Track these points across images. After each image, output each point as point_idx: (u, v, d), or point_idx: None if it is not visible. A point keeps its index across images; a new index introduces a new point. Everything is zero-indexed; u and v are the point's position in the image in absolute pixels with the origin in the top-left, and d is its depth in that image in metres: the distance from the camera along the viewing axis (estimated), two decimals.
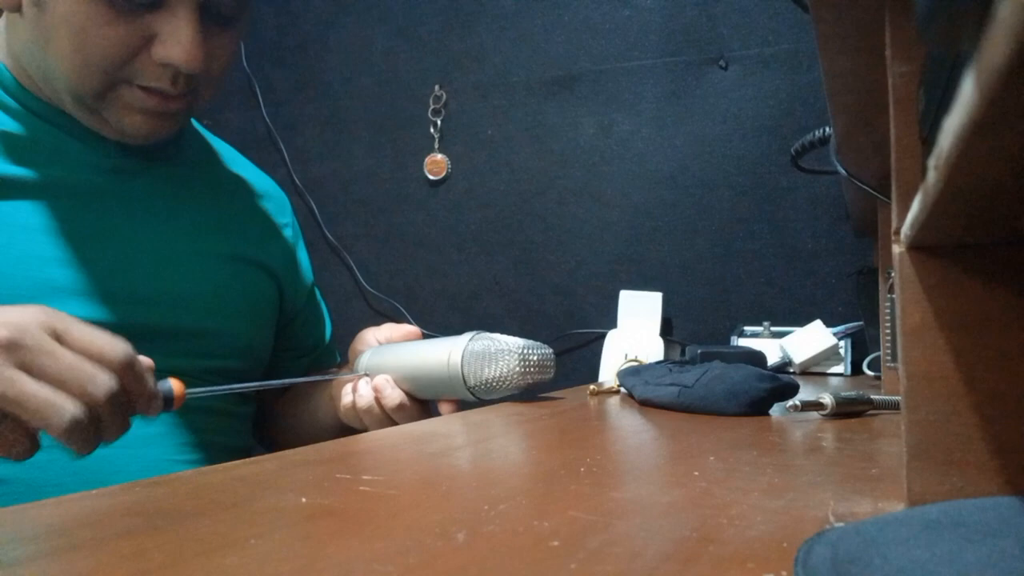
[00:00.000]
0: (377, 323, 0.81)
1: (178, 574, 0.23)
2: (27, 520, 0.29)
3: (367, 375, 0.72)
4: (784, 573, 0.23)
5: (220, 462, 0.73)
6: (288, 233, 0.89)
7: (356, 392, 0.71)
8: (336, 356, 0.96)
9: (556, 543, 0.26)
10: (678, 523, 0.28)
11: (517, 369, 0.65)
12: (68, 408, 0.46)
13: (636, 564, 0.24)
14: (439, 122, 1.57)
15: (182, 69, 0.65)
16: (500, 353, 0.66)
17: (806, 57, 1.31)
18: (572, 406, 0.69)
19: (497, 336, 0.68)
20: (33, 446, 0.48)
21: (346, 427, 0.76)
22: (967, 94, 0.15)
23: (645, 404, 0.69)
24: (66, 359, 0.47)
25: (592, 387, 0.81)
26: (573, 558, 0.24)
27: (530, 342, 0.67)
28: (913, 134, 0.28)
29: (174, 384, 0.55)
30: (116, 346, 0.49)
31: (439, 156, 1.57)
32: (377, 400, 0.69)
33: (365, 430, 0.73)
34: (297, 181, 1.68)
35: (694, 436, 0.51)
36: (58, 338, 0.48)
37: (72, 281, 0.66)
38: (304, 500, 0.32)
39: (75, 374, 0.47)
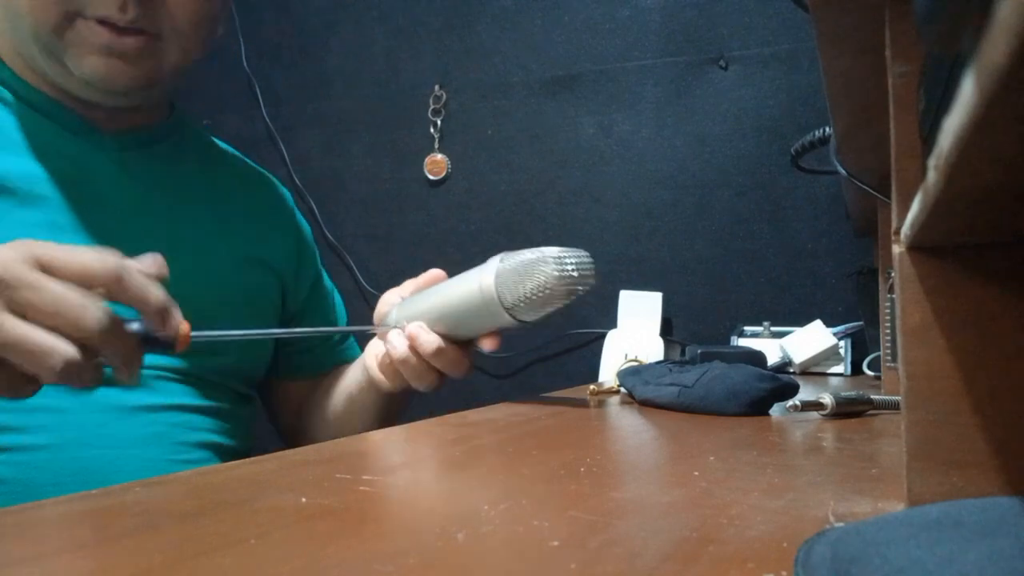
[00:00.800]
0: None
1: (178, 574, 0.23)
2: (27, 520, 0.29)
3: (398, 327, 0.68)
4: (784, 573, 0.23)
5: (220, 463, 0.72)
6: (290, 229, 0.88)
7: (389, 344, 0.68)
8: (356, 350, 0.94)
9: (556, 543, 0.26)
10: (678, 523, 0.28)
11: (555, 274, 0.59)
12: (59, 351, 0.44)
13: (636, 564, 0.24)
14: (439, 122, 1.57)
15: None
16: (534, 263, 0.60)
17: (806, 57, 1.31)
18: (572, 406, 0.69)
19: (526, 249, 0.62)
20: (34, 385, 0.47)
21: (388, 404, 0.75)
22: (967, 94, 0.15)
23: (645, 404, 0.69)
24: (53, 291, 0.44)
25: (592, 387, 0.81)
26: (573, 558, 0.24)
27: (565, 248, 0.61)
28: (913, 134, 0.28)
29: (181, 325, 0.52)
30: (105, 261, 0.46)
31: (439, 156, 1.57)
32: (414, 351, 0.66)
33: (404, 395, 0.72)
34: (297, 181, 1.68)
35: (694, 436, 0.51)
36: (43, 268, 0.45)
37: None
38: (304, 500, 0.32)
39: (64, 306, 0.44)
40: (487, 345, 0.66)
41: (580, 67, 1.47)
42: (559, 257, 0.60)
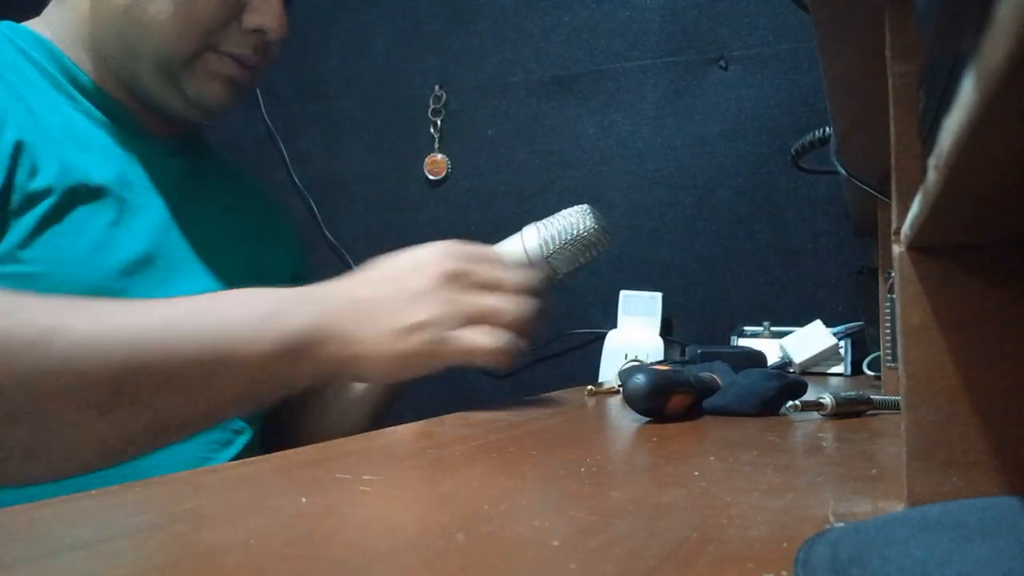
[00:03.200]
0: None
1: (178, 574, 0.23)
2: (27, 520, 0.29)
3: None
4: (784, 573, 0.23)
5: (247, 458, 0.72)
6: (292, 240, 0.91)
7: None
8: None
9: (556, 543, 0.26)
10: (678, 523, 0.28)
11: (590, 223, 0.68)
12: (521, 314, 0.58)
13: (636, 564, 0.24)
14: (439, 122, 1.57)
15: (271, 36, 0.70)
16: (570, 214, 0.69)
17: (806, 57, 1.31)
18: (572, 406, 0.69)
19: (553, 216, 0.70)
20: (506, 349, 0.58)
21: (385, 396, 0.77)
22: (967, 94, 0.15)
23: None
24: (497, 276, 0.59)
25: (590, 387, 0.80)
26: (573, 558, 0.24)
27: (587, 205, 0.70)
28: (913, 134, 0.28)
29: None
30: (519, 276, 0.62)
31: (439, 156, 1.57)
32: None
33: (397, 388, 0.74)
34: (297, 181, 1.68)
35: (694, 436, 0.51)
36: (471, 259, 0.59)
37: (146, 286, 0.67)
38: (304, 500, 0.32)
39: (501, 285, 0.58)
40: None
41: (580, 67, 1.47)
42: (586, 209, 0.70)
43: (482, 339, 0.56)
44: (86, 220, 0.64)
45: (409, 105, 1.60)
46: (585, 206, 0.70)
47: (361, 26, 1.66)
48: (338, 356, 0.53)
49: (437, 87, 1.58)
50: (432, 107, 1.58)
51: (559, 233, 0.69)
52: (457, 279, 0.57)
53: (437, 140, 1.57)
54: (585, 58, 1.47)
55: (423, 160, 1.58)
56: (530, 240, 0.69)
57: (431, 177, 1.57)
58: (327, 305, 0.54)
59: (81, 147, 0.66)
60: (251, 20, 0.68)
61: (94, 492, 0.33)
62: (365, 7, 1.65)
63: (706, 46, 1.38)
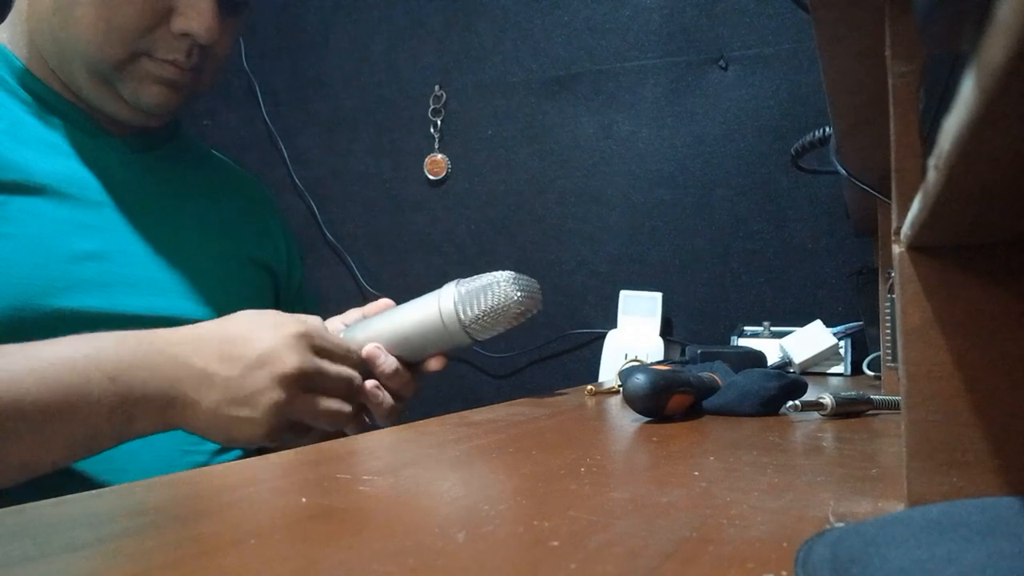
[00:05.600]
0: None
1: (178, 574, 0.23)
2: (27, 520, 0.29)
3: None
4: (784, 573, 0.23)
5: (228, 455, 0.73)
6: (279, 230, 0.90)
7: None
8: None
9: (556, 543, 0.26)
10: (678, 523, 0.28)
11: (515, 296, 0.65)
12: (345, 412, 0.62)
13: (636, 564, 0.24)
14: (439, 122, 1.57)
15: (199, 40, 0.68)
16: (492, 285, 0.66)
17: (806, 57, 1.31)
18: (572, 406, 0.69)
19: (476, 276, 0.67)
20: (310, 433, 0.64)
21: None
22: (967, 94, 0.15)
23: None
24: (337, 374, 0.62)
25: (590, 387, 0.80)
26: (573, 558, 0.24)
27: (513, 272, 0.67)
28: (913, 134, 0.28)
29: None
30: (349, 346, 0.65)
31: (439, 156, 1.57)
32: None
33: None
34: (297, 181, 1.68)
35: (694, 436, 0.51)
36: (317, 352, 0.60)
37: (98, 275, 0.67)
38: (304, 500, 0.32)
39: (342, 384, 0.62)
40: (434, 365, 0.70)
41: (580, 67, 1.47)
42: (514, 278, 0.67)
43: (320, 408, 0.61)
44: (25, 216, 0.64)
45: (409, 105, 1.61)
46: (511, 276, 0.67)
47: (361, 26, 1.66)
48: (175, 418, 0.56)
49: (437, 87, 1.58)
50: (432, 107, 1.58)
51: (480, 301, 0.66)
52: (296, 381, 0.58)
53: (437, 140, 1.57)
54: (585, 58, 1.47)
55: (423, 160, 1.58)
56: (446, 306, 0.67)
57: (431, 177, 1.57)
58: (174, 371, 0.56)
59: (23, 146, 0.66)
60: (178, 25, 0.68)
61: (94, 492, 0.33)
62: (365, 7, 1.65)
63: (706, 46, 1.38)
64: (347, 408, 0.62)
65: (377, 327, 0.70)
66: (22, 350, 0.52)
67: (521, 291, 0.66)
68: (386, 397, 0.68)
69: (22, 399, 0.49)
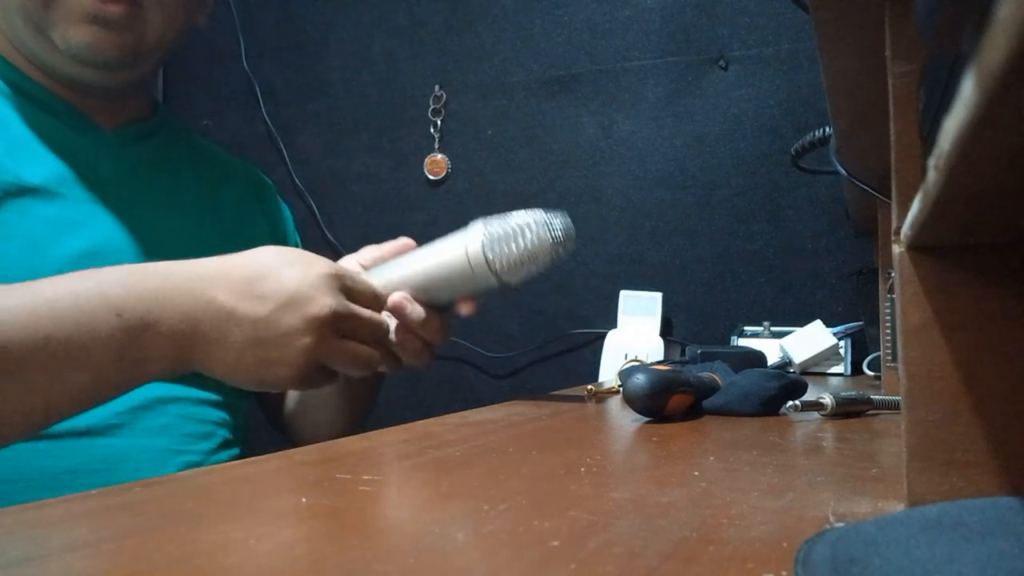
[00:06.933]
0: None
1: (178, 574, 0.23)
2: (27, 520, 0.29)
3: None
4: (784, 573, 0.23)
5: (223, 453, 0.73)
6: (276, 217, 0.89)
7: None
8: None
9: (556, 543, 0.26)
10: (678, 523, 0.28)
11: (548, 239, 0.61)
12: (375, 357, 0.60)
13: (636, 564, 0.24)
14: (439, 122, 1.57)
15: None
16: (524, 229, 0.61)
17: (806, 57, 1.31)
18: (572, 406, 0.69)
19: (507, 214, 0.63)
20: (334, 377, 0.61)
21: (360, 396, 0.75)
22: (967, 94, 0.15)
23: None
24: (368, 319, 0.59)
25: (590, 387, 0.80)
26: (573, 558, 0.24)
27: (548, 210, 0.63)
28: (913, 134, 0.28)
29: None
30: (377, 288, 0.63)
31: (439, 156, 1.57)
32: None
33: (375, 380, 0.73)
34: (297, 181, 1.68)
35: (694, 436, 0.51)
36: (347, 293, 0.58)
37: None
38: (304, 500, 0.32)
39: (373, 330, 0.60)
40: (466, 310, 0.66)
41: (580, 67, 1.47)
42: (547, 219, 0.62)
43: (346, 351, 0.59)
44: (18, 218, 0.63)
45: (409, 105, 1.60)
46: (542, 213, 0.62)
47: (361, 26, 1.66)
48: (191, 358, 0.53)
49: (437, 87, 1.58)
50: (432, 107, 1.58)
51: (511, 246, 0.61)
52: (328, 324, 0.55)
53: (437, 140, 1.57)
54: (585, 58, 1.47)
55: (423, 160, 1.58)
56: (474, 250, 0.61)
57: (431, 177, 1.57)
58: (191, 306, 0.52)
59: (14, 148, 0.66)
60: None
61: (94, 492, 0.33)
62: (365, 7, 1.65)
63: (706, 46, 1.38)
64: (376, 355, 0.60)
65: (400, 271, 0.65)
66: (25, 286, 0.48)
67: (554, 233, 0.61)
68: (416, 343, 0.64)
69: (14, 339, 0.45)
